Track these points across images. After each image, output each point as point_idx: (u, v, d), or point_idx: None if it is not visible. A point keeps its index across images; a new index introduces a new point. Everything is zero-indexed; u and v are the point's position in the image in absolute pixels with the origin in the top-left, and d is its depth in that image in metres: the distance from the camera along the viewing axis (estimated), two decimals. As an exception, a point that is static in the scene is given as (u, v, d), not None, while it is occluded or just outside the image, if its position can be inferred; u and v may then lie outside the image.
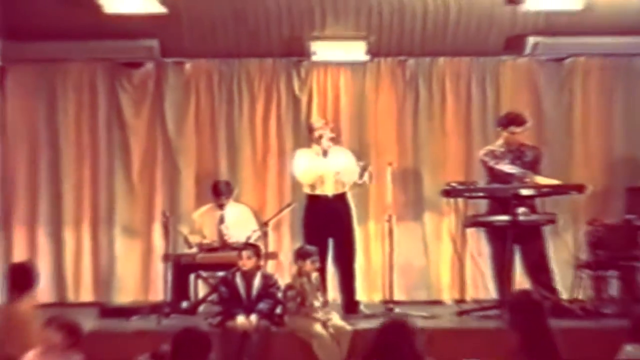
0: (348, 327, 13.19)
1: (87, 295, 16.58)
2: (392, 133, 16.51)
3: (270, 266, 14.90)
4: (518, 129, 14.54)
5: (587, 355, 10.15)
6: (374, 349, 9.00)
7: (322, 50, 16.29)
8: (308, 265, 13.57)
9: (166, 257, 15.25)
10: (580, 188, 14.69)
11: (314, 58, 16.42)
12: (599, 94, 16.90)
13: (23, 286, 11.50)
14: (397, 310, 14.28)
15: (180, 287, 15.07)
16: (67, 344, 9.92)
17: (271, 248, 15.32)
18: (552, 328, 9.21)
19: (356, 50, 16.28)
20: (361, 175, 14.62)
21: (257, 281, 13.79)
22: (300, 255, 13.82)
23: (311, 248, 13.88)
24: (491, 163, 14.49)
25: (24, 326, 10.69)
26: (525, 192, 14.13)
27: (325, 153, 14.71)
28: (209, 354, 9.23)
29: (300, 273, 13.62)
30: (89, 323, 14.09)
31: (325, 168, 14.67)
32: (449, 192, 14.71)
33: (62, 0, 14.64)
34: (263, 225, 15.28)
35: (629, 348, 9.62)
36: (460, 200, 15.05)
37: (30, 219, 16.82)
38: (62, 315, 10.58)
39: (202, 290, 15.39)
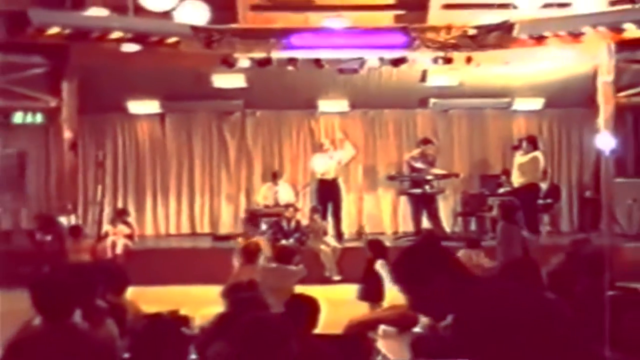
0: (339, 246, 13.77)
1: (207, 229, 16.44)
2: (362, 148, 16.05)
3: (299, 215, 14.84)
4: (428, 146, 14.78)
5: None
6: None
7: (325, 105, 16.18)
8: (315, 216, 14.07)
9: (247, 211, 15.63)
10: (456, 175, 15.35)
11: (321, 109, 16.30)
12: (467, 128, 16.70)
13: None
14: (364, 237, 14.06)
15: (254, 225, 14.72)
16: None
17: (300, 206, 15.31)
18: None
19: (342, 105, 16.15)
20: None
21: (293, 223, 14.15)
22: (312, 211, 14.41)
23: (318, 207, 14.39)
24: (412, 162, 14.69)
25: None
26: (428, 177, 14.44)
27: (331, 157, 14.78)
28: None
29: (311, 219, 14.13)
30: (208, 244, 14.61)
31: (329, 166, 14.75)
32: (391, 178, 15.40)
33: (195, 79, 14.83)
34: (296, 194, 15.55)
35: (462, 252, 10.44)
36: (397, 182, 15.45)
37: (177, 195, 16.57)
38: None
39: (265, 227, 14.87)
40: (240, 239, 12.48)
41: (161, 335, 4.29)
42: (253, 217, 15.13)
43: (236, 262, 10.47)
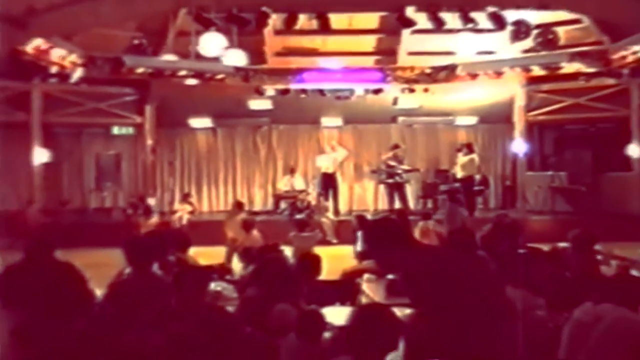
0: (336, 219, 13.58)
1: (245, 207, 16.13)
2: (352, 151, 15.81)
3: (309, 197, 14.32)
4: (398, 150, 14.50)
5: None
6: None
7: (326, 121, 15.99)
8: (320, 198, 13.96)
9: (273, 194, 15.64)
10: (418, 170, 15.19)
11: (323, 124, 16.11)
12: (425, 137, 16.37)
13: (240, 210, 11.49)
14: (353, 213, 14.31)
15: (277, 205, 15.00)
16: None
17: (310, 191, 14.82)
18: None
19: (338, 121, 15.97)
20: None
21: (305, 203, 13.92)
22: (318, 195, 14.23)
23: (322, 192, 14.19)
24: (387, 161, 14.35)
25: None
26: (399, 171, 14.17)
27: (330, 157, 14.63)
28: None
29: (317, 200, 13.97)
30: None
31: (329, 163, 14.53)
32: (373, 172, 15.10)
33: (236, 103, 14.72)
34: (307, 183, 15.35)
35: (421, 223, 10.05)
36: (377, 175, 14.92)
37: (224, 183, 16.37)
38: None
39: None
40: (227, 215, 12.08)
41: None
42: (278, 199, 15.07)
43: (230, 232, 10.45)
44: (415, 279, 3.15)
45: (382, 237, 3.31)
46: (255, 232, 9.62)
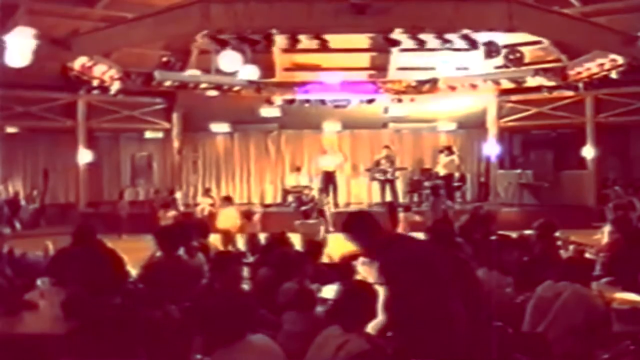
0: (334, 210, 13.13)
1: (257, 200, 15.61)
2: (349, 152, 15.71)
3: (313, 192, 13.85)
4: (389, 149, 14.38)
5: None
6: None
7: (327, 126, 15.60)
8: (323, 192, 13.71)
9: (282, 189, 15.36)
10: (405, 168, 15.04)
11: (324, 129, 15.67)
12: (412, 140, 16.01)
13: (229, 203, 11.12)
14: (350, 206, 14.26)
15: (285, 198, 14.68)
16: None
17: (313, 187, 14.27)
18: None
19: (337, 127, 15.61)
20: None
21: (309, 197, 13.62)
22: (320, 190, 13.87)
23: (323, 187, 13.95)
24: (379, 161, 14.23)
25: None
26: (389, 169, 14.06)
27: (330, 157, 14.58)
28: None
29: (319, 194, 13.68)
30: (259, 209, 13.82)
31: (330, 163, 14.43)
32: (367, 170, 14.75)
33: (250, 111, 14.51)
34: (310, 180, 14.88)
35: (402, 214, 9.72)
36: (370, 172, 14.57)
37: (240, 180, 16.11)
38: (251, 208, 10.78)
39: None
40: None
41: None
42: (286, 193, 14.92)
43: (221, 224, 10.20)
44: (389, 266, 3.08)
45: (356, 226, 3.23)
46: (255, 219, 9.77)
